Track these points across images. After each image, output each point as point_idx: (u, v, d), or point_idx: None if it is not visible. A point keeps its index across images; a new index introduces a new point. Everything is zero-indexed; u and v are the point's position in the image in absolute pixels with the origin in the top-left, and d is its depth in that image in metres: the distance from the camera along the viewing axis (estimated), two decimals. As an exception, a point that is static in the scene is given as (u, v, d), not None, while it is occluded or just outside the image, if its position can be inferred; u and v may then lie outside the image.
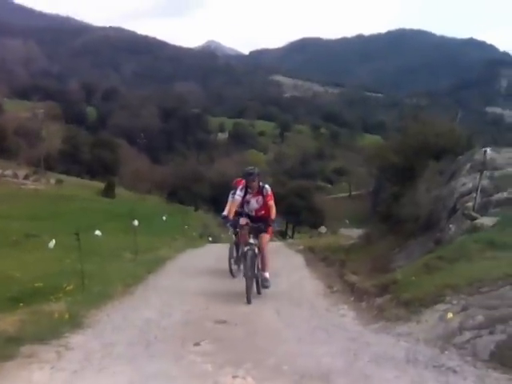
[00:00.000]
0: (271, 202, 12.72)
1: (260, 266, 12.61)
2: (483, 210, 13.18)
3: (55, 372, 6.21)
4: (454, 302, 8.37)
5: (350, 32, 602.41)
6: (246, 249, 12.46)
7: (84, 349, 7.34)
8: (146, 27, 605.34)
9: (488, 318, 7.15)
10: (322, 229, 55.79)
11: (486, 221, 12.32)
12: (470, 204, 13.43)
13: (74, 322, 8.84)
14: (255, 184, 12.68)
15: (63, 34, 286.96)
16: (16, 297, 11.59)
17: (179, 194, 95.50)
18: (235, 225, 14.67)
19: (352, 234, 32.21)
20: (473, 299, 8.16)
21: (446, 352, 6.77)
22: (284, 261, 19.17)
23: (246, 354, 7.07)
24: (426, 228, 15.70)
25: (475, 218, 12.69)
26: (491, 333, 6.75)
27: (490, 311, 7.38)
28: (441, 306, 8.40)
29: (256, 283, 12.59)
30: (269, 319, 9.69)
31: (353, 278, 13.48)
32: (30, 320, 8.53)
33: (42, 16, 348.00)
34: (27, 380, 5.87)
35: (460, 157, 18.13)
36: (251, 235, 12.62)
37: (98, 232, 29.60)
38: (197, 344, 7.53)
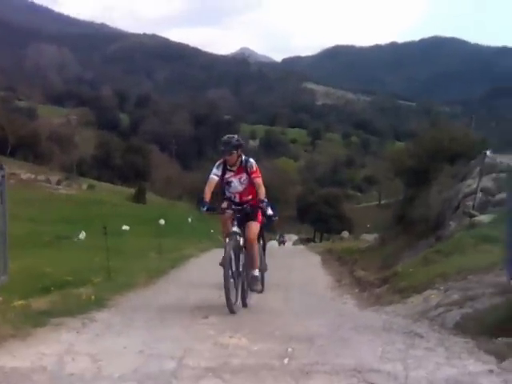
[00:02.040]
0: (258, 180, 10.20)
1: (247, 263, 10.25)
2: (483, 208, 14.06)
3: (80, 335, 7.26)
4: (441, 287, 9.28)
5: (383, 39, 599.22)
6: (226, 240, 10.03)
7: (106, 321, 8.38)
8: (179, 35, 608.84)
9: (462, 297, 8.10)
10: (344, 234, 56.47)
11: (484, 218, 13.21)
12: (471, 203, 14.30)
13: (99, 303, 9.93)
14: (234, 158, 10.16)
15: (97, 40, 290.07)
16: (47, 287, 12.41)
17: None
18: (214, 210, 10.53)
19: (373, 238, 32.93)
20: (456, 284, 9.07)
21: (418, 323, 7.79)
22: (302, 260, 20.23)
23: (246, 324, 8.12)
24: (434, 228, 16.53)
25: (474, 216, 13.56)
26: (460, 307, 7.70)
27: (466, 292, 8.31)
28: (429, 292, 9.32)
29: (241, 288, 10.17)
30: (275, 304, 10.77)
31: (361, 274, 14.40)
32: (60, 300, 9.61)
33: (77, 23, 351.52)
34: (56, 340, 6.88)
35: (472, 161, 18.90)
36: (234, 222, 10.09)
37: (125, 227, 30.53)
38: (205, 317, 8.61)
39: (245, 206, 10.25)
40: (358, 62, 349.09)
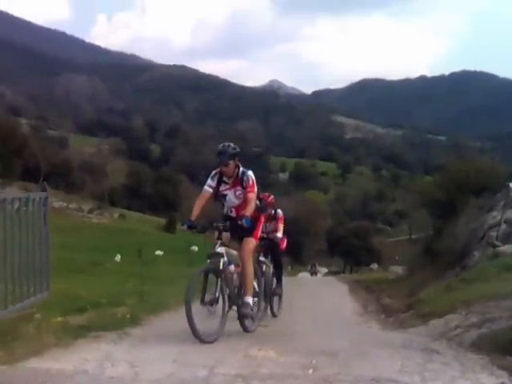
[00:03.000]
0: (251, 195, 9.25)
1: (237, 288, 9.27)
2: (506, 239, 14.39)
3: (118, 345, 7.79)
4: (463, 312, 9.64)
5: (412, 73, 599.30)
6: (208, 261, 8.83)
7: (141, 336, 8.91)
8: (209, 66, 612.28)
9: (480, 320, 8.46)
10: (373, 266, 56.59)
11: (507, 248, 13.53)
12: (495, 234, 14.63)
13: (134, 321, 10.38)
14: (231, 169, 9.39)
15: (128, 70, 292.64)
16: (83, 307, 12.86)
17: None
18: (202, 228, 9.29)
19: (401, 270, 33.14)
20: (476, 309, 9.42)
21: (437, 342, 8.19)
22: (330, 288, 20.57)
23: (274, 340, 8.66)
24: (460, 258, 16.85)
25: (497, 246, 13.90)
26: (478, 328, 8.07)
27: (484, 315, 8.67)
28: (450, 316, 9.69)
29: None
30: (301, 325, 11.14)
31: (387, 301, 14.74)
32: (96, 318, 10.10)
33: (107, 53, 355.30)
34: (96, 348, 7.39)
35: (498, 193, 19.23)
36: (219, 241, 8.96)
37: (159, 252, 30.99)
38: (230, 335, 9.05)
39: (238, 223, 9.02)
40: (387, 96, 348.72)
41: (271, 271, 12.29)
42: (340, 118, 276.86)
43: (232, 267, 9.14)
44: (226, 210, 9.79)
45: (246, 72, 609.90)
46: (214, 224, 9.07)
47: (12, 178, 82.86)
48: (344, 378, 6.08)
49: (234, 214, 9.57)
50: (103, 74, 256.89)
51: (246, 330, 9.34)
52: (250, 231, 9.27)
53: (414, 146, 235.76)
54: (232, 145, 9.69)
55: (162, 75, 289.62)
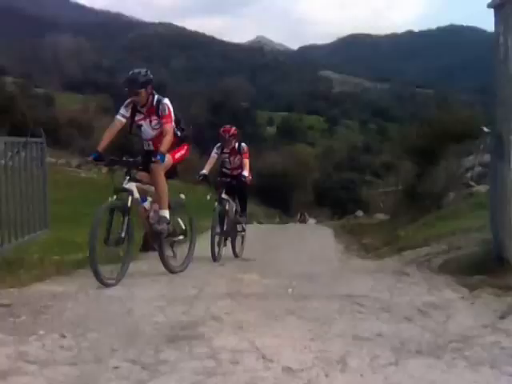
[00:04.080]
0: (167, 126, 8.62)
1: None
2: (481, 179, 15.08)
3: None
4: (435, 244, 10.34)
5: (399, 28, 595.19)
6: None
7: (138, 266, 9.59)
8: (195, 23, 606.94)
9: (449, 247, 9.15)
10: (359, 213, 57.11)
11: (481, 188, 14.24)
12: (469, 175, 15.35)
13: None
14: (143, 97, 8.64)
15: (114, 29, 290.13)
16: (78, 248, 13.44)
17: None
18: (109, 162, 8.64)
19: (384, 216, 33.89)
20: (447, 240, 10.12)
21: (407, 266, 8.91)
22: (315, 232, 21.31)
23: (259, 267, 9.49)
24: (438, 200, 17.58)
25: (472, 186, 14.62)
26: (445, 254, 8.77)
27: (453, 244, 9.37)
28: (423, 248, 10.40)
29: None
30: (287, 258, 11.93)
31: (368, 241, 15.45)
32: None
33: (93, 12, 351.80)
34: (82, 282, 8.04)
35: (477, 140, 19.89)
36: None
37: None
38: (222, 265, 9.76)
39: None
40: (375, 51, 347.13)
41: (234, 210, 12.32)
42: (327, 73, 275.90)
43: (147, 203, 8.76)
44: (143, 144, 9.16)
45: (233, 28, 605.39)
46: (124, 158, 8.47)
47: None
48: (320, 295, 6.79)
49: (152, 148, 8.90)
50: (89, 34, 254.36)
51: (170, 270, 8.86)
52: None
53: (401, 100, 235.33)
54: (143, 71, 8.72)
55: (149, 33, 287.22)
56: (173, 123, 8.66)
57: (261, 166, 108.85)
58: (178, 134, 9.01)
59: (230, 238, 12.26)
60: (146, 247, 9.75)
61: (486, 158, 16.21)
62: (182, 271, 8.98)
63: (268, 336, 5.19)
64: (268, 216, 63.48)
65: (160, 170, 8.49)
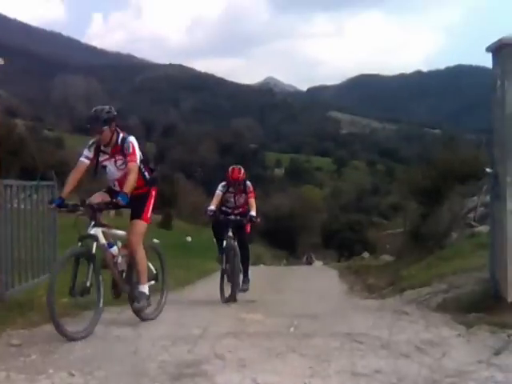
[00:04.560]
0: (131, 165, 7.95)
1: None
2: (483, 220, 15.30)
3: (121, 315, 8.76)
4: (435, 284, 10.54)
5: (408, 68, 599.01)
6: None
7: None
8: (205, 65, 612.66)
9: (448, 287, 9.36)
10: (365, 254, 57.19)
11: (483, 228, 14.44)
12: (472, 216, 15.58)
13: (135, 299, 11.31)
14: (107, 136, 8.01)
15: (124, 71, 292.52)
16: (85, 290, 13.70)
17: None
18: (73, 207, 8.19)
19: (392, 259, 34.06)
20: (448, 280, 10.33)
21: (408, 305, 9.12)
22: (320, 273, 21.59)
23: (262, 307, 9.69)
24: (441, 240, 17.80)
25: (474, 227, 14.84)
26: (445, 293, 8.98)
27: (453, 283, 9.58)
28: (425, 288, 10.60)
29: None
30: (290, 298, 12.12)
31: (371, 281, 15.65)
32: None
33: (103, 54, 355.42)
34: (102, 317, 8.23)
35: (480, 181, 20.13)
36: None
37: (155, 240, 31.95)
38: (227, 304, 10.00)
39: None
40: (383, 91, 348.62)
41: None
42: (335, 114, 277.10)
43: (115, 249, 8.16)
44: (110, 185, 8.52)
45: (242, 70, 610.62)
46: (87, 202, 7.94)
47: (10, 178, 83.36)
48: (321, 334, 7.02)
49: (118, 188, 8.21)
50: (100, 75, 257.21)
51: (142, 318, 8.37)
52: (138, 211, 8.32)
53: (409, 140, 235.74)
54: (106, 108, 8.17)
55: (159, 75, 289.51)
56: (138, 162, 8.00)
57: (268, 208, 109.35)
58: (146, 175, 8.36)
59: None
60: (116, 293, 8.36)
61: (488, 198, 16.50)
62: (153, 319, 8.43)
63: (270, 373, 5.40)
64: (275, 257, 63.62)
65: (137, 243, 8.12)
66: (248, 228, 11.97)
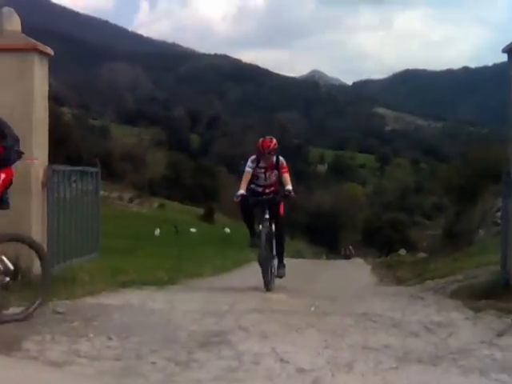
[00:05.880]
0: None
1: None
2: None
3: (157, 292, 9.47)
4: (459, 276, 11.05)
5: (455, 64, 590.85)
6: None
7: (177, 289, 10.71)
8: (250, 56, 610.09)
9: (465, 277, 9.87)
10: (402, 251, 57.22)
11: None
12: (499, 213, 15.94)
13: (171, 282, 12.00)
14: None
15: (169, 60, 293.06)
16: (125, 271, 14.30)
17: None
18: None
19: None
20: (468, 272, 10.82)
21: (424, 292, 9.65)
22: (353, 266, 22.09)
23: (289, 290, 10.24)
24: (470, 237, 18.23)
25: (499, 224, 15.22)
26: (460, 282, 9.49)
27: (469, 274, 10.08)
28: (445, 278, 11.12)
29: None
30: (319, 286, 12.71)
31: (400, 273, 16.17)
32: (138, 278, 11.61)
33: (149, 42, 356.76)
34: (139, 293, 9.13)
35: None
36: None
37: (193, 229, 32.82)
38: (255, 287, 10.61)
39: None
40: (429, 86, 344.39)
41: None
42: (381, 110, 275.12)
43: None
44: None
45: (287, 62, 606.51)
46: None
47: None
48: (339, 313, 7.64)
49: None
50: (145, 63, 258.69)
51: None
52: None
53: (454, 138, 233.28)
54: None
55: (204, 64, 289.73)
56: None
57: (310, 205, 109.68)
58: None
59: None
60: None
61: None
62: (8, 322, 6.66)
63: (288, 344, 6.01)
64: (314, 254, 64.05)
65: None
66: (282, 209, 10.76)
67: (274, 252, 10.74)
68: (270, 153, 10.56)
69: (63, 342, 5.89)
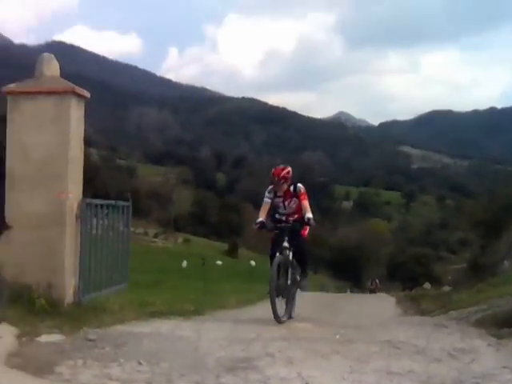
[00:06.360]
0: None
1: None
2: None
3: (184, 322, 9.65)
4: (483, 306, 11.13)
5: (481, 105, 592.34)
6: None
7: (203, 319, 10.83)
8: (277, 99, 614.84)
9: (489, 307, 9.95)
10: (427, 285, 56.89)
11: (533, 258, 15.00)
12: (524, 246, 16.11)
13: (197, 313, 12.17)
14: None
15: (198, 103, 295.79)
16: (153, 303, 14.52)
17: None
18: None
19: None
20: (492, 301, 10.90)
21: (448, 321, 9.75)
22: (378, 299, 22.15)
23: (315, 320, 10.30)
24: (494, 269, 18.29)
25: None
26: (484, 311, 9.59)
27: (494, 303, 10.17)
28: (469, 308, 11.21)
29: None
30: (345, 315, 12.85)
31: (425, 306, 16.21)
32: (166, 309, 11.84)
33: (178, 86, 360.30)
34: (167, 322, 9.31)
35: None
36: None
37: (219, 262, 33.26)
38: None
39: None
40: (456, 127, 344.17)
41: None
42: (407, 149, 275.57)
43: None
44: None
45: (315, 104, 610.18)
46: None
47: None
48: (364, 340, 7.79)
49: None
50: (173, 107, 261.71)
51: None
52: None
53: (481, 176, 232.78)
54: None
55: (231, 107, 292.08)
56: None
57: (334, 240, 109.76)
58: None
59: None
60: None
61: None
62: None
63: (313, 369, 6.16)
64: (338, 288, 63.97)
65: None
66: (305, 232, 10.72)
67: (290, 280, 10.29)
68: (280, 180, 10.52)
69: (95, 367, 6.06)
